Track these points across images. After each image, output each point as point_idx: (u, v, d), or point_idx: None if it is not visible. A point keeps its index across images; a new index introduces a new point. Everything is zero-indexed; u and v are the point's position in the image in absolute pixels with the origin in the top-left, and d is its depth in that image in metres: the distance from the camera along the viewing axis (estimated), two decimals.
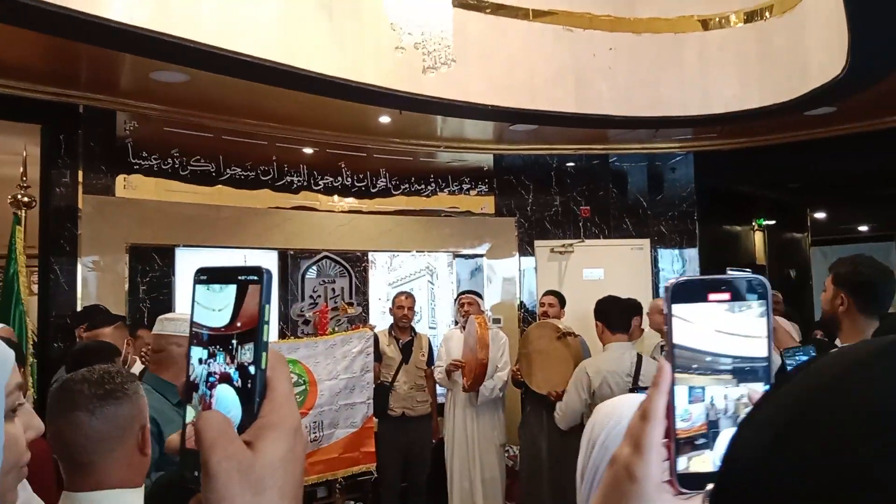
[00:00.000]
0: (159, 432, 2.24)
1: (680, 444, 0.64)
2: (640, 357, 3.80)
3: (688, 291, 0.64)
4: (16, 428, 1.05)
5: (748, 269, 2.29)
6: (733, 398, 0.64)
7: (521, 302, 7.10)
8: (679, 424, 0.64)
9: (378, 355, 5.13)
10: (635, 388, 3.67)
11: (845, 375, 0.43)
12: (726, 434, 0.63)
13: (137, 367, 3.68)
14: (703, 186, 7.37)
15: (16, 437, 1.04)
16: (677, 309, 0.64)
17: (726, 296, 0.64)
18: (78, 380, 1.56)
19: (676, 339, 0.64)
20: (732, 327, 0.63)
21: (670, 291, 0.64)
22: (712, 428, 0.64)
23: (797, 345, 2.90)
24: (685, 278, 0.65)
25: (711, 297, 0.64)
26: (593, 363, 3.87)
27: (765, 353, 0.64)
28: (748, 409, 0.60)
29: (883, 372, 0.42)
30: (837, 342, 3.26)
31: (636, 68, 5.69)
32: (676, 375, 0.64)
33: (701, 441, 0.64)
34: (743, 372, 0.63)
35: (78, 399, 1.51)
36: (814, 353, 2.08)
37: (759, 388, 0.63)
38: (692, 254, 7.42)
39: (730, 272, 2.22)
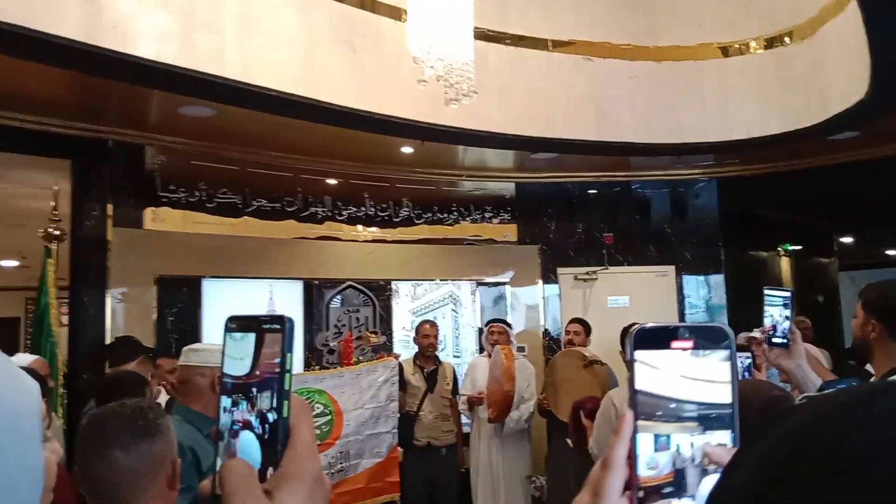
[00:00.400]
0: (198, 462, 2.24)
1: (647, 492, 0.62)
2: None
3: (651, 338, 0.63)
4: (46, 453, 1.07)
5: (787, 289, 2.22)
6: (700, 446, 0.63)
7: (546, 330, 7.06)
8: (646, 472, 0.63)
9: (402, 384, 5.10)
10: None
11: (843, 413, 0.44)
12: (704, 483, 0.62)
13: (163, 398, 3.70)
14: (727, 212, 7.31)
15: (49, 461, 1.06)
16: (640, 355, 0.63)
17: (689, 343, 0.63)
18: (110, 416, 1.55)
19: (639, 386, 0.63)
20: (696, 373, 0.63)
21: (632, 338, 0.64)
22: (679, 476, 0.63)
23: (829, 372, 2.83)
24: (650, 325, 0.64)
25: (675, 344, 0.63)
26: (619, 393, 3.80)
27: (729, 400, 0.63)
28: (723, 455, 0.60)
29: (885, 405, 0.43)
30: (869, 368, 3.18)
31: (657, 96, 5.70)
32: (641, 423, 0.63)
33: (668, 490, 0.63)
34: (708, 419, 0.63)
35: (111, 436, 1.50)
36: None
37: (724, 436, 0.62)
38: (718, 280, 7.34)
39: (766, 292, 2.17)
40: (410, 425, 5.13)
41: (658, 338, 0.63)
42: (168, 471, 1.55)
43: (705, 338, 0.63)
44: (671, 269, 7.32)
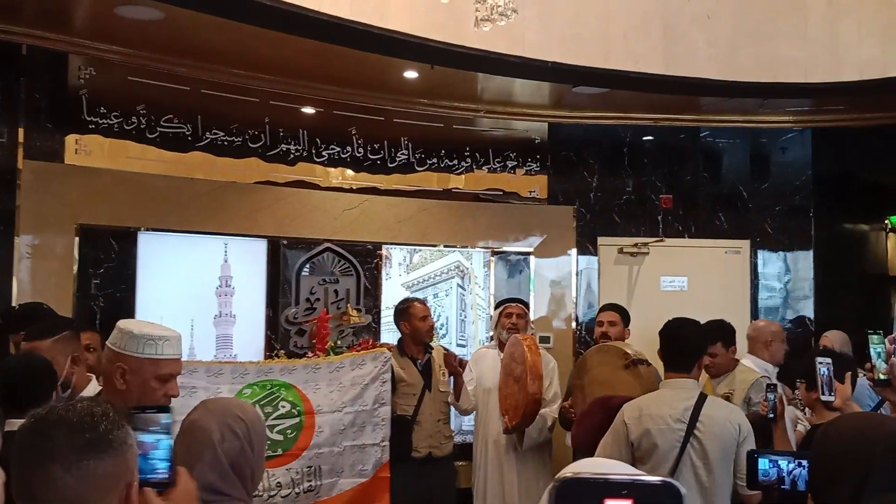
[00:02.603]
0: None
1: None
2: (702, 397, 3.75)
3: (577, 494, 0.64)
4: None
5: (879, 332, 2.54)
6: None
7: (577, 316, 7.12)
8: None
9: (392, 383, 5.16)
10: (688, 438, 3.59)
11: None
12: None
13: (93, 388, 3.74)
14: (822, 173, 7.35)
15: None
16: None
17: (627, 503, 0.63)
18: (53, 421, 1.60)
19: None
20: None
21: (553, 494, 0.63)
22: None
23: None
24: (574, 475, 0.64)
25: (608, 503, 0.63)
26: (636, 405, 3.83)
27: None
28: None
29: None
30: None
31: (744, 19, 5.69)
32: None
33: None
34: None
35: (51, 448, 1.55)
36: None
37: None
38: (805, 258, 7.41)
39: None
40: (407, 432, 5.20)
41: (587, 493, 0.64)
42: (121, 495, 1.60)
43: (650, 498, 0.64)
44: (745, 243, 7.38)
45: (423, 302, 5.67)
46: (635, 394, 4.46)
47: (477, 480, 5.52)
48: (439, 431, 5.38)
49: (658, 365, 5.01)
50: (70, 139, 5.48)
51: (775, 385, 4.22)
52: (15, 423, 2.80)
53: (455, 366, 5.33)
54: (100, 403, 1.67)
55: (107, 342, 2.71)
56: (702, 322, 4.76)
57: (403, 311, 5.53)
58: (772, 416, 3.99)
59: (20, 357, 3.57)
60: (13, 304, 5.14)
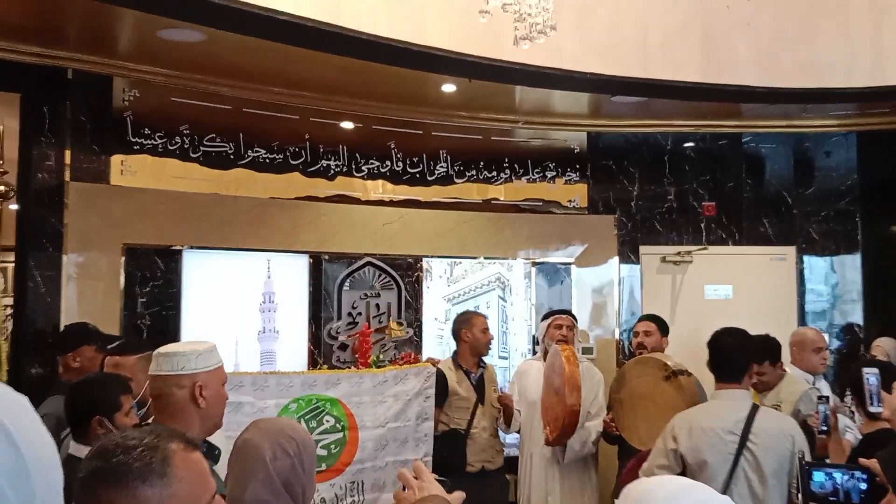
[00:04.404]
0: None
1: None
2: (754, 408, 3.73)
3: None
4: None
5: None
6: None
7: (620, 326, 7.14)
8: None
9: (443, 396, 5.21)
10: (741, 450, 3.54)
11: None
12: None
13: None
14: (869, 176, 7.31)
15: None
16: None
17: None
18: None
19: None
20: None
21: None
22: None
23: None
24: None
25: None
26: (686, 417, 3.81)
27: None
28: None
29: None
30: None
31: (784, 24, 5.68)
32: None
33: None
34: None
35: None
36: None
37: None
38: (852, 263, 7.36)
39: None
40: (461, 446, 5.24)
41: None
42: None
43: None
44: (791, 250, 7.35)
45: (485, 316, 5.72)
46: (677, 405, 4.49)
47: (521, 493, 5.56)
48: (491, 446, 5.42)
49: (700, 375, 5.06)
50: (115, 160, 5.62)
51: (827, 397, 4.20)
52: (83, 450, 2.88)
53: (509, 404, 5.40)
54: (140, 435, 1.56)
55: (168, 374, 2.70)
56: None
57: (466, 321, 5.56)
58: (824, 428, 3.99)
59: (91, 374, 3.66)
60: (61, 322, 5.28)
